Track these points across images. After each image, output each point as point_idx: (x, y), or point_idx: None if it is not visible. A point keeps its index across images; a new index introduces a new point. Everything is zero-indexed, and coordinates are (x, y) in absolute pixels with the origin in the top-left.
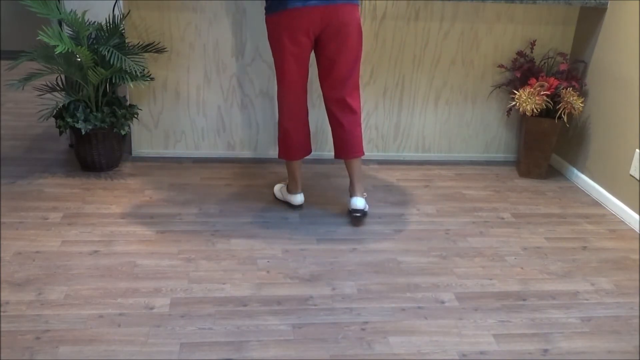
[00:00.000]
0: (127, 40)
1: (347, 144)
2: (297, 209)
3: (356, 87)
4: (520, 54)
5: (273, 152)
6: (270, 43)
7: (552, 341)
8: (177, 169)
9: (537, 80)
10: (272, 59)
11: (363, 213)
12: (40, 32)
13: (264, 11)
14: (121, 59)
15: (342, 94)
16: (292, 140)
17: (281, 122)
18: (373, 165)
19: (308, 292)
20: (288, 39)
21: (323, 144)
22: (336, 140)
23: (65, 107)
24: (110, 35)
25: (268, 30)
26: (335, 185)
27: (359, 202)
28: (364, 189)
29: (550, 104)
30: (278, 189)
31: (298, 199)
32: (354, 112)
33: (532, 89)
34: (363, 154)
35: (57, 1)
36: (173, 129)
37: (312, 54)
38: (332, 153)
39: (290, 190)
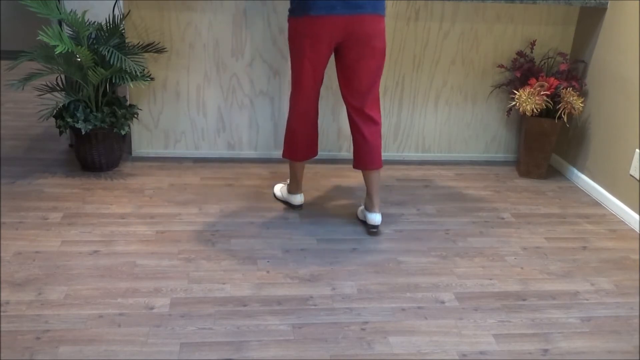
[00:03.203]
0: (127, 40)
1: (367, 155)
2: (297, 209)
3: (376, 100)
4: (520, 54)
5: (273, 152)
6: (289, 45)
7: (552, 341)
8: (177, 169)
9: (537, 80)
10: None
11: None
12: (40, 32)
13: (288, 12)
14: (121, 59)
15: (361, 104)
16: (299, 142)
17: (290, 122)
18: None
19: (308, 292)
20: (308, 46)
21: (323, 144)
22: (356, 149)
23: (65, 107)
24: (110, 35)
25: (289, 32)
26: (335, 186)
27: (377, 218)
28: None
29: (550, 104)
30: (278, 189)
31: (298, 199)
32: (376, 123)
33: (532, 89)
34: (381, 166)
35: (57, 1)
36: (173, 129)
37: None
38: (332, 153)
39: (291, 190)
